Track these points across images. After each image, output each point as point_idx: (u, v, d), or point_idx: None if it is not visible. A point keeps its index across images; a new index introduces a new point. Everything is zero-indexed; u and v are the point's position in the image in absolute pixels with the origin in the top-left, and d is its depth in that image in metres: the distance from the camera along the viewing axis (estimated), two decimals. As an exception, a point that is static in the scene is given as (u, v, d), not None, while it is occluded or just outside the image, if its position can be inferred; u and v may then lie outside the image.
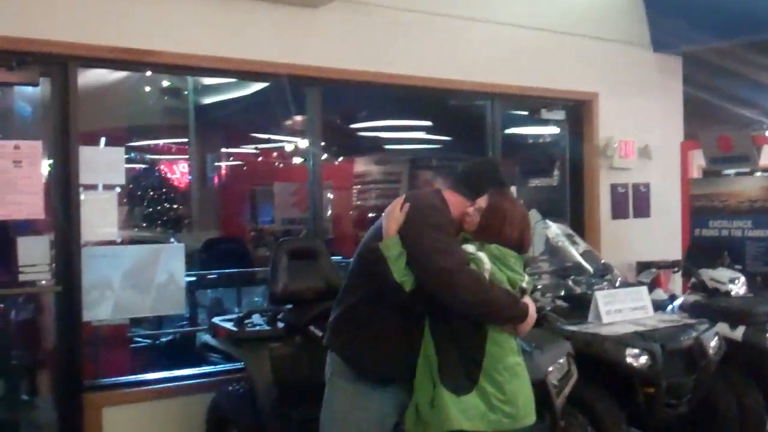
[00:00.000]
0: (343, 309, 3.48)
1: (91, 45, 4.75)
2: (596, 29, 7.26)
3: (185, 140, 9.94)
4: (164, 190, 9.65)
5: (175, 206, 9.72)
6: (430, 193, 3.55)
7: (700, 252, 6.58)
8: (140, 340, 7.32)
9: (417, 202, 3.34)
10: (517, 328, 3.35)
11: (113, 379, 5.20)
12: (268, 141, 11.63)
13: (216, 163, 11.79)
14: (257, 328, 4.97)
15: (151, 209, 9.13)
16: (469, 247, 3.36)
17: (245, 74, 5.58)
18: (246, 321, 5.01)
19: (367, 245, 3.41)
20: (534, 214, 5.50)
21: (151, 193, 9.27)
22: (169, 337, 7.64)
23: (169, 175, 10.50)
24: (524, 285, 3.41)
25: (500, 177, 3.59)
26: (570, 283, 5.33)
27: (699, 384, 4.90)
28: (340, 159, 12.01)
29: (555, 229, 5.79)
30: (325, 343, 3.58)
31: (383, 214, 3.41)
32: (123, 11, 4.88)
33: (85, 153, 4.79)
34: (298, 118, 8.05)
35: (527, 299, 3.39)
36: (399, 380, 3.39)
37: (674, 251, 6.99)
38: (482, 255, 3.31)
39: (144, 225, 8.84)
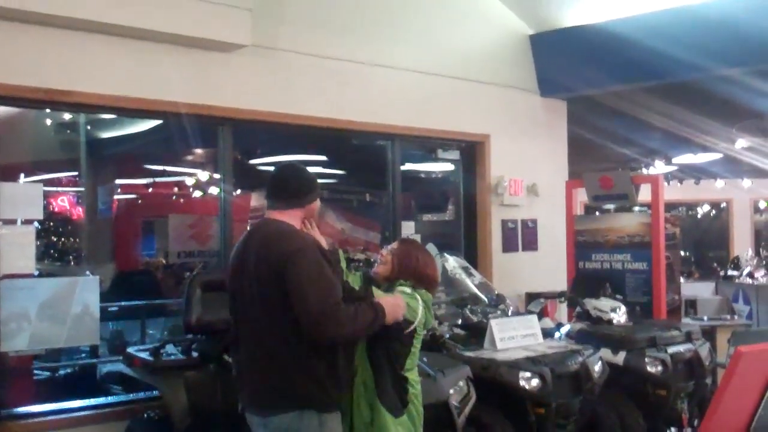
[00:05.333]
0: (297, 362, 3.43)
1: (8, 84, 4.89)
2: (489, 75, 7.73)
3: (76, 173, 9.89)
4: (61, 223, 9.60)
5: (71, 239, 9.62)
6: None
7: (584, 283, 7.09)
8: (40, 372, 7.28)
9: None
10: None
11: (28, 408, 5.24)
12: (164, 174, 11.65)
13: (109, 196, 11.72)
14: (172, 357, 5.13)
15: (55, 242, 9.06)
16: (406, 290, 3.86)
17: (164, 114, 5.76)
18: (161, 350, 5.17)
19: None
20: (432, 248, 5.86)
21: (52, 226, 9.21)
22: (68, 370, 7.62)
23: (65, 209, 10.43)
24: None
25: (311, 177, 3.76)
26: (467, 312, 5.71)
27: (585, 405, 5.34)
28: (238, 192, 12.13)
29: (452, 262, 6.19)
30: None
31: None
32: (42, 51, 5.02)
33: (5, 188, 4.90)
34: (198, 151, 8.14)
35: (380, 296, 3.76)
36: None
37: (560, 282, 7.47)
38: (418, 298, 3.84)
39: (47, 260, 8.77)
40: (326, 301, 3.28)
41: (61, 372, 7.54)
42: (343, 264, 3.91)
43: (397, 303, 3.71)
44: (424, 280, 4.00)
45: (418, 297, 3.87)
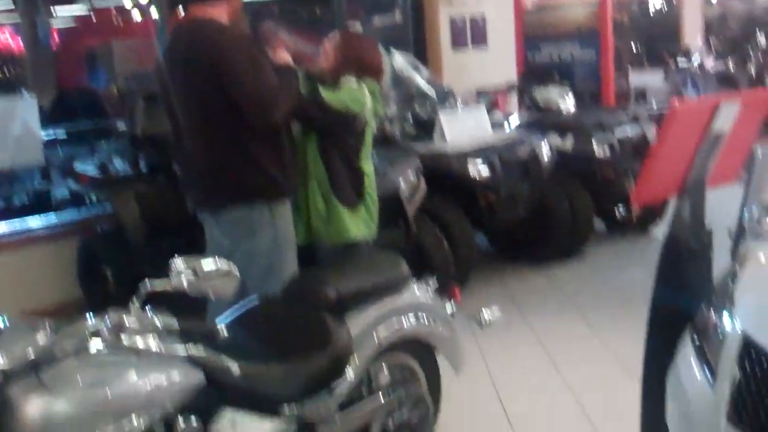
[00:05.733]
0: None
1: None
2: None
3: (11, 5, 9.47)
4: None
5: (13, 70, 9.27)
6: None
7: (533, 75, 7.06)
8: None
9: None
10: None
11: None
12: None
13: (48, 27, 11.29)
14: (120, 171, 5.10)
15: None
16: (352, 81, 3.75)
17: None
18: (108, 165, 5.12)
19: None
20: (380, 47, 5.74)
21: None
22: (24, 198, 7.58)
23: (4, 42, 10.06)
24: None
25: None
26: (416, 108, 5.67)
27: (534, 189, 5.44)
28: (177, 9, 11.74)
29: (400, 60, 6.07)
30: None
31: None
32: None
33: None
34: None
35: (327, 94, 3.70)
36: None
37: (511, 77, 7.42)
38: (364, 87, 3.74)
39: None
40: (264, 84, 3.22)
41: (16, 201, 7.50)
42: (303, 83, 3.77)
43: None
44: (369, 68, 3.90)
45: (364, 86, 3.81)
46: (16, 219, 5.64)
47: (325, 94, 3.68)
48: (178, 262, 1.86)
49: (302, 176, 3.74)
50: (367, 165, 3.89)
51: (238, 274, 1.91)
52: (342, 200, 3.75)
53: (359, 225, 3.79)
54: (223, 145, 3.33)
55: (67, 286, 5.22)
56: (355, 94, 3.75)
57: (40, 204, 7.22)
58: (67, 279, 5.23)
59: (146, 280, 1.94)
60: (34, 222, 5.48)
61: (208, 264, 1.86)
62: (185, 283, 1.83)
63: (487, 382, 4.01)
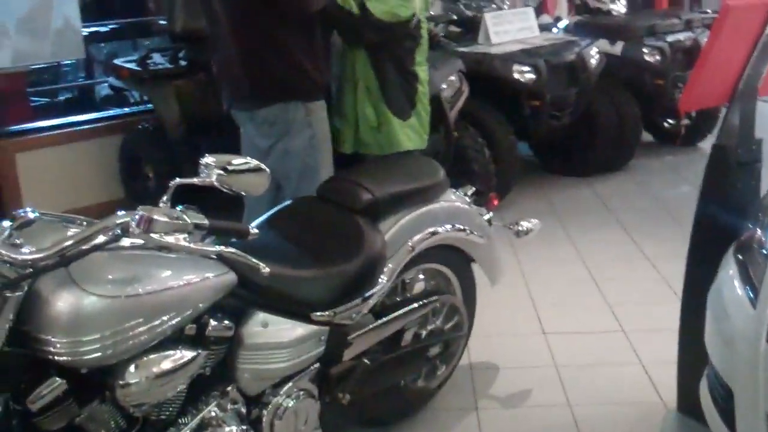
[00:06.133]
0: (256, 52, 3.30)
1: None
2: None
3: None
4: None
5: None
6: None
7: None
8: (38, 99, 7.25)
9: None
10: None
11: (22, 126, 5.24)
12: None
13: None
14: (160, 67, 5.04)
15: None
16: None
17: None
18: (147, 60, 5.07)
19: None
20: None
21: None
22: (68, 95, 7.60)
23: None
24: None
25: None
26: (461, 6, 5.51)
27: (580, 97, 5.29)
28: None
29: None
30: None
31: None
32: None
33: None
34: None
35: None
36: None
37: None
38: None
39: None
40: None
41: (60, 97, 7.52)
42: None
43: None
44: None
45: None
46: (60, 116, 5.67)
47: (373, 5, 3.46)
48: (209, 158, 1.83)
49: (350, 82, 3.64)
50: (422, 70, 3.71)
51: (268, 171, 1.87)
52: (393, 109, 3.62)
53: (410, 135, 3.67)
54: (259, 42, 3.26)
55: (111, 185, 5.26)
56: None
57: (83, 101, 7.26)
58: (110, 178, 5.27)
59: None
60: (77, 118, 5.46)
61: (238, 160, 1.83)
62: (214, 179, 1.80)
63: (524, 295, 3.98)
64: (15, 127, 5.18)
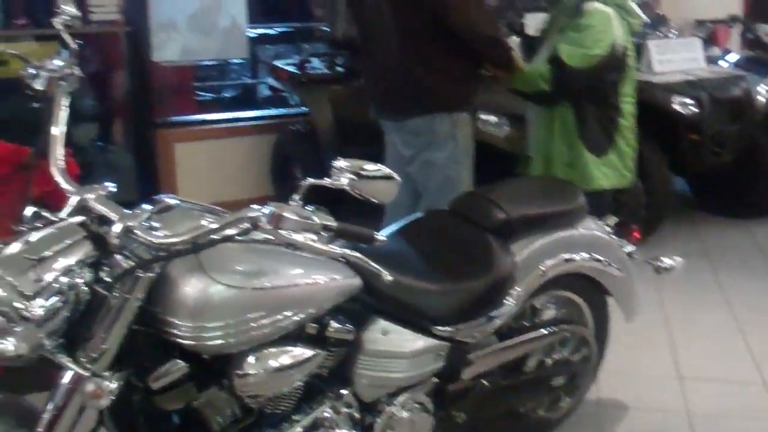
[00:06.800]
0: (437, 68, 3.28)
1: None
2: None
3: None
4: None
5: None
6: None
7: (761, 9, 6.47)
8: (203, 94, 7.56)
9: None
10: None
11: (183, 117, 5.48)
12: None
13: None
14: (318, 71, 5.16)
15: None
16: (597, 4, 3.30)
17: None
18: (306, 64, 5.20)
19: None
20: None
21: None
22: (232, 92, 7.89)
23: None
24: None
25: None
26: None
27: (744, 134, 5.02)
28: None
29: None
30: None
31: None
32: None
33: None
34: None
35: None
36: None
37: (734, 9, 6.83)
38: (610, 11, 3.30)
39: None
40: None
41: (224, 94, 7.83)
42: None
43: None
44: None
45: (607, 9, 3.29)
46: (220, 112, 5.89)
47: (566, 52, 3.27)
48: (342, 162, 1.84)
49: (545, 116, 3.52)
50: (628, 102, 3.49)
51: (399, 180, 1.87)
52: (588, 145, 3.42)
53: (606, 173, 3.46)
54: (413, 54, 3.26)
55: (260, 183, 5.41)
56: (597, 34, 3.27)
57: (244, 99, 7.53)
58: (260, 175, 5.43)
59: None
60: (235, 115, 5.66)
61: (371, 166, 1.83)
62: (345, 182, 1.81)
63: (662, 335, 3.79)
64: (176, 117, 5.41)
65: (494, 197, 2.61)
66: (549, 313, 2.77)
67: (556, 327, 2.68)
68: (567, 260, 2.66)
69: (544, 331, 2.63)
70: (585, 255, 2.72)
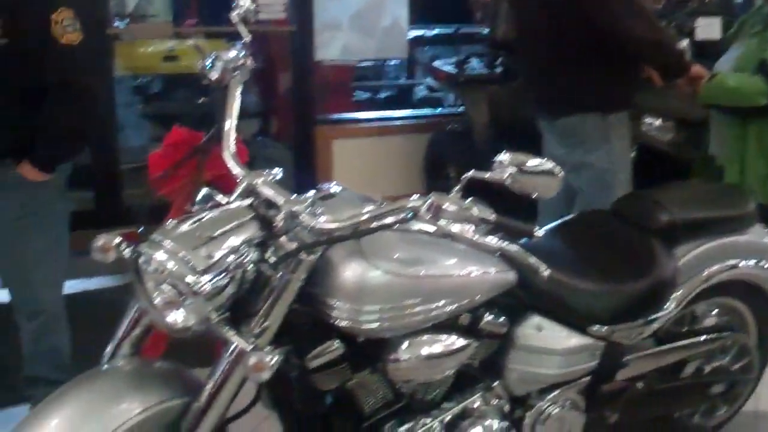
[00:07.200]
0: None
1: None
2: None
3: None
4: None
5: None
6: None
7: None
8: (361, 93, 7.71)
9: None
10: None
11: (342, 115, 5.62)
12: None
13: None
14: (476, 72, 5.17)
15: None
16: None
17: None
18: (465, 65, 5.21)
19: None
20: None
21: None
22: (388, 93, 8.00)
23: None
24: None
25: None
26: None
27: None
28: None
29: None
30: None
31: None
32: None
33: None
34: None
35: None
36: None
37: None
38: None
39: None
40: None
41: (381, 94, 7.96)
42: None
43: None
44: None
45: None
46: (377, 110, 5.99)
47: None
48: (504, 156, 1.83)
49: (739, 126, 3.42)
50: None
51: (562, 174, 1.84)
52: None
53: None
54: (567, 54, 3.22)
55: (413, 181, 5.45)
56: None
57: (401, 99, 7.63)
58: (413, 173, 5.47)
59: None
60: (392, 113, 5.75)
61: (534, 161, 1.81)
62: (506, 176, 1.80)
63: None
64: (336, 115, 5.55)
65: (660, 199, 2.54)
66: (710, 320, 2.68)
67: (716, 334, 2.59)
68: (732, 266, 2.57)
69: (703, 338, 2.56)
70: (752, 262, 2.61)
